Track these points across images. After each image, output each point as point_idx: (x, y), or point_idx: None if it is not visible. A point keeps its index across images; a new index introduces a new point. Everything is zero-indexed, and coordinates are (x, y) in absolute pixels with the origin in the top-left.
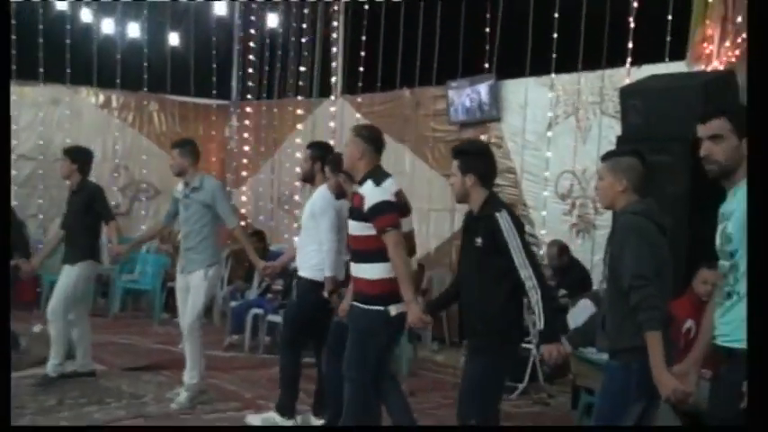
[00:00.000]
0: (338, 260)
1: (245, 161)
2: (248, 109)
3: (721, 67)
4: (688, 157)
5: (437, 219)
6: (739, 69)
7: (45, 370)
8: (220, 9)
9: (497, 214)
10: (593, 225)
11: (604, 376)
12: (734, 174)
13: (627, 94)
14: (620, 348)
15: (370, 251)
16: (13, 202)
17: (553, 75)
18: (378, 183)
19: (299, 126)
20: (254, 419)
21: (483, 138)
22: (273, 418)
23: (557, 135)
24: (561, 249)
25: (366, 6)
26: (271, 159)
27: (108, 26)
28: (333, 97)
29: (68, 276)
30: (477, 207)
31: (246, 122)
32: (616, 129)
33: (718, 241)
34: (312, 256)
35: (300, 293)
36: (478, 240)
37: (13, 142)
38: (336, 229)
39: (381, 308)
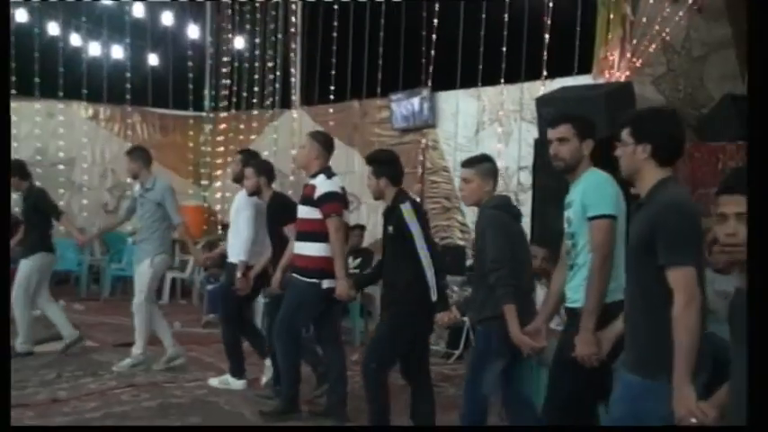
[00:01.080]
0: (252, 249)
1: (217, 162)
2: (220, 119)
3: (621, 80)
4: (594, 157)
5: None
6: (636, 81)
7: (41, 349)
8: (194, 33)
9: (401, 206)
10: None
11: (475, 339)
12: (575, 170)
13: (542, 102)
14: (483, 318)
15: (313, 232)
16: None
17: (480, 87)
18: (329, 177)
19: (264, 133)
20: (213, 381)
21: (422, 141)
22: (227, 379)
23: (483, 138)
24: None
25: (320, 30)
26: None
27: (95, 49)
28: (293, 108)
29: (24, 267)
30: (390, 202)
31: (218, 131)
32: (533, 132)
33: (565, 225)
34: (240, 246)
35: (230, 275)
36: (390, 228)
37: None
38: (253, 222)
39: (317, 281)
